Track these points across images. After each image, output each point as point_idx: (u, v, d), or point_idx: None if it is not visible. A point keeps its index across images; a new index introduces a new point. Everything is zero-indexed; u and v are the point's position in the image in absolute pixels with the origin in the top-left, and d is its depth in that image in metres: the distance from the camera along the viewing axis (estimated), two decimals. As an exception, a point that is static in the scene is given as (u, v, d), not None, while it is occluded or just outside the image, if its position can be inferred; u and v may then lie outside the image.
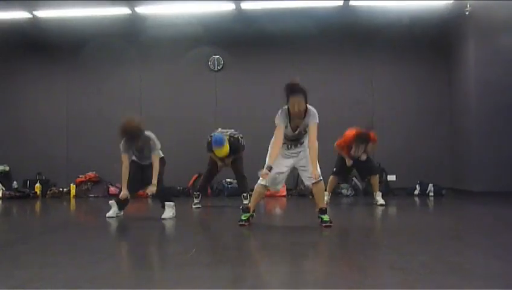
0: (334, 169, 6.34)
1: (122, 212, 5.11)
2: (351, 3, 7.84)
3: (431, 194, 7.90)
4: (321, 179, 4.28)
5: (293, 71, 8.61)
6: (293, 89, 4.06)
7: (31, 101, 9.27)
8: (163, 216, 4.87)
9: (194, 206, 6.14)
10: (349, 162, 6.18)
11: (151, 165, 4.92)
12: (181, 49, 8.80)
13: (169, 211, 4.96)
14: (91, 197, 8.53)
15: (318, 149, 4.21)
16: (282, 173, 4.31)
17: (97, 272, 2.62)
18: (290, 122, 4.18)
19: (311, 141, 4.18)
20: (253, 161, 6.03)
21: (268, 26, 8.39)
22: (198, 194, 6.27)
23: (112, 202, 5.07)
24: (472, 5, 7.43)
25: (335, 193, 8.35)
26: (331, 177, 6.32)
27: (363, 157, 6.18)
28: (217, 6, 8.08)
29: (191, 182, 8.46)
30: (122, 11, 8.20)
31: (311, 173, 4.16)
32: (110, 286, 2.33)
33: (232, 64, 8.92)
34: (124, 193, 4.87)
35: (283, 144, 4.26)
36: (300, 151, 4.32)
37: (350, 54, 8.72)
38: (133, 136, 4.76)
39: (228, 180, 8.24)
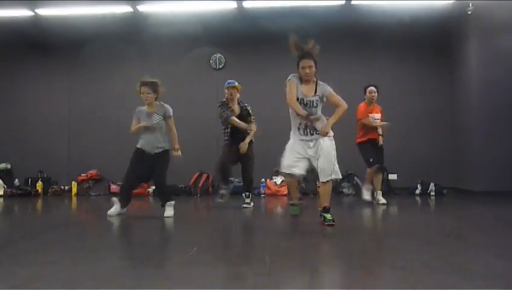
0: (370, 160, 6.16)
1: (125, 210, 5.09)
2: (353, 2, 7.84)
3: (432, 193, 7.90)
4: (331, 179, 4.21)
5: (295, 70, 8.63)
6: (305, 53, 4.15)
7: (33, 100, 9.28)
8: (165, 215, 4.90)
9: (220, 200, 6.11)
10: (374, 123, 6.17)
11: (155, 158, 4.90)
12: (182, 47, 8.81)
13: (169, 209, 4.98)
14: (92, 195, 8.54)
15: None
16: (299, 157, 4.21)
17: (98, 270, 2.62)
18: (302, 91, 4.17)
19: (339, 103, 4.24)
20: (256, 158, 6.03)
21: (270, 25, 8.38)
22: (226, 187, 6.15)
23: (115, 199, 5.06)
24: (474, 5, 7.42)
25: (336, 192, 8.37)
26: (369, 170, 6.20)
27: (381, 141, 6.20)
28: (218, 5, 8.09)
29: (192, 180, 8.47)
30: (124, 9, 8.21)
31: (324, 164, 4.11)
32: (111, 284, 2.34)
33: (234, 62, 8.92)
34: (145, 124, 4.89)
35: (299, 124, 4.19)
36: (316, 140, 4.21)
37: (351, 53, 8.71)
38: (152, 88, 4.84)
39: (230, 179, 8.24)
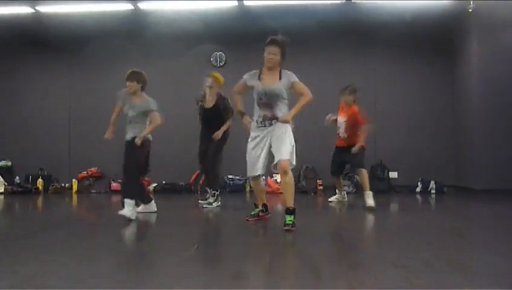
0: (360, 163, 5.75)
1: (152, 205, 5.02)
2: (354, 0, 7.82)
3: (433, 191, 7.89)
4: (286, 166, 3.95)
5: (295, 68, 8.61)
6: (271, 40, 4.10)
7: (34, 97, 9.28)
8: (120, 211, 4.51)
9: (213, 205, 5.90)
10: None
11: (128, 145, 4.72)
12: (183, 45, 8.79)
13: (127, 207, 4.53)
14: (93, 193, 8.54)
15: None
16: (258, 155, 4.06)
17: (99, 268, 2.62)
18: (260, 80, 4.10)
19: (304, 93, 4.07)
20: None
21: (271, 23, 8.33)
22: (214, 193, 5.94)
23: (130, 202, 4.59)
24: (475, 3, 7.40)
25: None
26: (363, 171, 5.72)
27: (355, 148, 5.58)
28: (219, 3, 8.07)
29: (193, 178, 8.46)
30: (125, 6, 8.19)
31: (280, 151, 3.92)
32: (112, 282, 2.34)
33: (235, 60, 8.89)
34: (108, 134, 4.89)
35: (258, 117, 4.09)
36: (274, 130, 4.04)
37: (352, 52, 8.69)
38: (132, 80, 4.83)
39: (230, 176, 8.25)
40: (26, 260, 2.80)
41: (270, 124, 4.06)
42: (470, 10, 7.43)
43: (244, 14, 8.36)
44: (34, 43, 9.06)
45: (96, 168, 8.80)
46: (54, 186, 8.67)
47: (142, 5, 8.14)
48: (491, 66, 7.37)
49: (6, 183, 8.61)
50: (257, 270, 2.53)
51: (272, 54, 4.05)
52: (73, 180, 8.67)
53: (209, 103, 5.85)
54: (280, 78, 4.07)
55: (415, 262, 2.65)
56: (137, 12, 8.36)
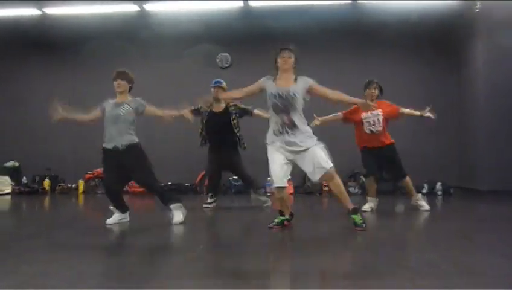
0: (366, 170, 5.54)
1: (127, 216, 4.57)
2: (360, 1, 7.82)
3: (439, 193, 7.86)
4: (332, 172, 3.83)
5: (301, 69, 8.61)
6: (283, 48, 4.12)
7: (40, 98, 9.32)
8: (174, 221, 4.37)
9: (204, 206, 5.99)
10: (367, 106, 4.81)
11: (123, 154, 4.34)
12: (188, 46, 8.81)
13: (178, 213, 4.42)
14: (99, 193, 8.58)
15: (326, 148, 4.02)
16: (283, 165, 3.94)
17: (104, 268, 2.64)
18: (275, 82, 4.04)
19: (328, 93, 4.14)
20: (261, 157, 5.99)
21: (276, 24, 8.38)
22: (212, 195, 6.02)
23: (113, 208, 4.53)
24: (481, 4, 7.37)
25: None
26: (366, 180, 5.60)
27: (425, 112, 5.30)
28: (224, 4, 8.10)
29: (198, 179, 8.48)
30: (131, 8, 8.24)
31: (320, 160, 3.79)
32: (117, 281, 2.35)
33: (240, 61, 8.87)
34: (57, 114, 4.58)
35: (275, 124, 3.95)
36: (297, 143, 3.89)
37: (356, 52, 8.68)
38: (122, 78, 4.49)
39: (235, 177, 8.25)
40: (30, 260, 2.82)
41: (292, 132, 3.91)
42: (477, 10, 7.39)
43: (249, 15, 8.38)
44: (39, 44, 9.13)
45: (102, 169, 8.84)
46: (60, 187, 8.73)
47: (147, 7, 8.18)
48: (496, 68, 7.33)
49: (13, 184, 8.68)
50: (262, 270, 2.54)
51: (286, 57, 4.08)
52: (80, 180, 8.72)
53: (219, 107, 5.72)
54: (295, 81, 4.03)
55: (420, 263, 2.65)
56: (142, 14, 8.40)
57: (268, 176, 4.12)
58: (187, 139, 8.55)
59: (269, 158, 4.01)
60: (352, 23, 8.42)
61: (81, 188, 8.65)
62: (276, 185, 3.94)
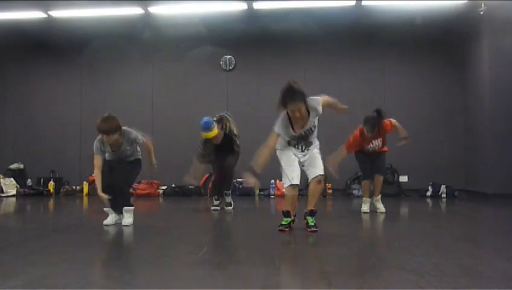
0: (363, 175, 5.81)
1: (121, 217, 4.55)
2: (364, 3, 7.81)
3: (443, 195, 7.83)
4: (322, 179, 4.05)
5: (305, 71, 8.63)
6: (292, 96, 3.75)
7: (45, 100, 9.39)
8: (123, 223, 4.43)
9: (212, 208, 5.97)
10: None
11: (123, 164, 4.51)
12: (193, 48, 8.84)
13: (128, 216, 4.47)
14: (103, 195, 8.59)
15: (329, 151, 4.13)
16: (297, 165, 4.07)
17: (109, 270, 2.65)
18: (292, 128, 3.97)
19: (336, 104, 4.20)
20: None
21: (280, 26, 8.39)
22: (217, 198, 6.04)
23: (108, 209, 4.55)
24: (486, 5, 7.35)
25: (346, 194, 8.34)
26: (363, 182, 5.77)
27: (402, 142, 5.53)
28: (228, 6, 8.11)
29: (202, 181, 8.49)
30: (136, 10, 8.27)
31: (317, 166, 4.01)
32: (121, 283, 2.36)
33: (244, 64, 8.94)
34: (102, 195, 4.38)
35: (289, 145, 4.07)
36: (307, 153, 4.11)
37: (362, 54, 8.67)
38: (112, 133, 4.36)
39: (239, 179, 8.25)
40: (37, 261, 2.83)
41: (307, 149, 4.10)
42: (482, 13, 7.37)
43: (253, 18, 8.39)
44: (46, 47, 9.18)
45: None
46: (65, 189, 8.76)
47: (152, 9, 8.21)
48: (502, 69, 7.30)
49: (18, 186, 8.72)
50: (266, 273, 2.53)
51: (297, 110, 3.81)
52: (84, 182, 8.74)
53: (218, 140, 5.84)
54: (309, 115, 3.95)
55: (424, 266, 2.64)
56: (147, 17, 8.43)
57: (271, 178, 4.16)
58: (191, 143, 8.57)
59: (282, 158, 4.09)
60: (356, 24, 8.42)
61: (85, 190, 8.67)
62: (293, 182, 4.01)
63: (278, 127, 3.95)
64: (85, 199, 8.05)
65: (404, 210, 6.07)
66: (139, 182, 8.30)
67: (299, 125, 3.96)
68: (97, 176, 4.48)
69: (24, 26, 8.71)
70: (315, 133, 4.12)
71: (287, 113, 3.88)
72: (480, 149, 7.72)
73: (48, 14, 8.37)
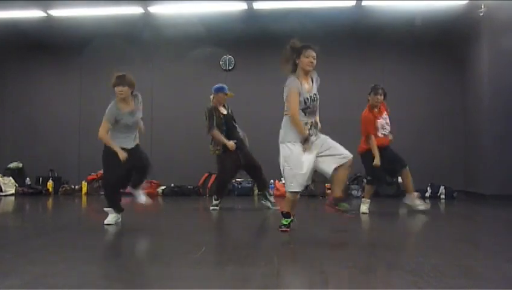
0: (368, 177, 5.69)
1: (120, 217, 4.50)
2: (364, 3, 7.81)
3: (442, 196, 7.83)
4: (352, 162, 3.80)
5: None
6: (307, 45, 3.92)
7: (44, 100, 9.38)
8: (141, 201, 4.50)
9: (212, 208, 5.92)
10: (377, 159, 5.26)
11: (132, 151, 4.43)
12: (193, 48, 8.83)
13: (112, 216, 4.40)
14: (102, 194, 8.59)
15: None
16: (310, 169, 3.80)
17: (108, 269, 2.65)
18: (305, 89, 3.85)
19: None
20: (265, 159, 5.99)
21: (280, 26, 8.37)
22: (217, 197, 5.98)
23: (108, 209, 4.48)
24: (486, 6, 7.35)
25: (345, 194, 8.33)
26: (369, 186, 5.68)
27: (390, 136, 5.52)
28: (228, 6, 8.11)
29: (201, 181, 8.49)
30: (136, 10, 8.26)
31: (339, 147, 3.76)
32: (120, 283, 2.36)
33: (244, 64, 8.93)
34: (123, 153, 4.34)
35: (305, 124, 3.83)
36: (317, 139, 3.86)
37: (361, 55, 8.67)
38: (125, 84, 4.42)
39: (238, 180, 8.25)
40: (36, 260, 2.83)
41: (316, 132, 3.91)
42: (481, 14, 7.38)
43: (253, 18, 8.39)
44: (45, 46, 9.17)
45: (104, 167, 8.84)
46: (63, 188, 8.75)
47: (151, 9, 8.21)
48: (501, 70, 7.30)
49: (17, 185, 8.72)
50: (266, 273, 2.53)
51: (312, 57, 3.91)
52: (83, 182, 8.74)
53: (224, 110, 5.98)
54: (312, 83, 3.96)
55: (423, 267, 2.64)
56: (147, 16, 8.43)
57: (271, 178, 4.08)
58: (190, 142, 8.58)
59: (291, 159, 3.78)
60: (356, 25, 8.42)
61: (84, 189, 8.67)
62: (296, 190, 3.80)
63: (292, 84, 3.85)
64: (84, 199, 8.04)
65: (403, 211, 6.06)
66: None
67: (306, 85, 3.89)
68: (107, 139, 4.49)
69: (23, 26, 8.70)
70: (318, 109, 3.96)
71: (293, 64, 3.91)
72: (479, 150, 7.72)
73: (48, 13, 8.36)
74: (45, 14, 8.38)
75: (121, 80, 4.42)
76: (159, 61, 9.12)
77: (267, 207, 5.87)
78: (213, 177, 8.48)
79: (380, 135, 5.44)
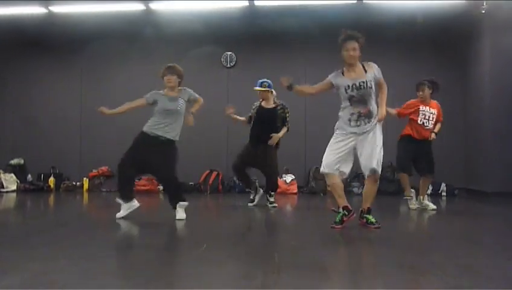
0: (398, 166, 5.90)
1: (135, 203, 4.59)
2: (365, 1, 7.79)
3: (443, 194, 7.83)
4: (377, 178, 4.00)
5: (306, 68, 8.62)
6: (347, 36, 4.06)
7: (46, 96, 9.38)
8: (178, 217, 4.52)
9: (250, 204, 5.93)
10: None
11: (162, 144, 4.53)
12: (193, 45, 8.82)
13: (182, 211, 4.56)
14: (104, 191, 8.62)
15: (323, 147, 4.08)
16: (343, 152, 3.92)
17: (109, 266, 2.65)
18: (345, 76, 4.00)
19: (383, 86, 4.16)
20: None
21: (281, 23, 8.37)
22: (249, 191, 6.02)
23: (120, 201, 4.60)
24: (488, 4, 7.33)
25: (345, 191, 8.32)
26: (400, 175, 5.86)
27: (433, 136, 5.69)
28: (230, 3, 8.10)
29: (202, 178, 8.49)
30: (137, 7, 8.25)
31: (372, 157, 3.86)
32: (121, 280, 2.37)
33: (245, 61, 8.92)
34: (102, 109, 4.64)
35: (351, 115, 3.91)
36: (367, 132, 3.92)
37: (363, 52, 8.63)
38: (174, 74, 4.68)
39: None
40: (37, 257, 2.84)
41: (369, 122, 3.93)
42: (483, 12, 7.35)
43: (254, 15, 8.38)
44: (46, 43, 9.16)
45: (106, 167, 8.86)
46: (65, 185, 8.77)
47: (153, 5, 8.20)
48: (503, 68, 7.29)
49: (18, 181, 8.73)
50: (266, 270, 2.54)
51: (351, 49, 4.01)
52: (84, 178, 8.75)
53: (269, 105, 5.88)
54: (366, 72, 4.02)
55: (423, 265, 2.64)
56: (148, 13, 8.42)
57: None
58: (192, 139, 8.57)
59: (329, 143, 4.01)
60: (356, 22, 8.33)
61: (85, 186, 8.69)
62: (323, 170, 3.97)
63: (330, 75, 4.08)
64: (85, 195, 8.06)
65: (403, 208, 6.07)
66: (140, 179, 8.30)
67: (352, 73, 4.01)
68: (123, 107, 4.68)
69: (24, 22, 8.69)
70: (373, 96, 3.99)
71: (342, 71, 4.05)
72: (480, 147, 7.71)
73: (49, 10, 8.35)
74: (46, 10, 8.38)
75: (170, 70, 4.70)
76: (159, 58, 9.03)
77: (265, 204, 5.89)
78: (214, 174, 8.49)
79: (419, 121, 5.62)
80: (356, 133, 3.93)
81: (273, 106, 5.84)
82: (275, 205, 5.84)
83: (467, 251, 3.16)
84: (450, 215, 5.93)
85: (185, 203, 4.57)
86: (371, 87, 3.95)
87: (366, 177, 4.00)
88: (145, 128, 4.59)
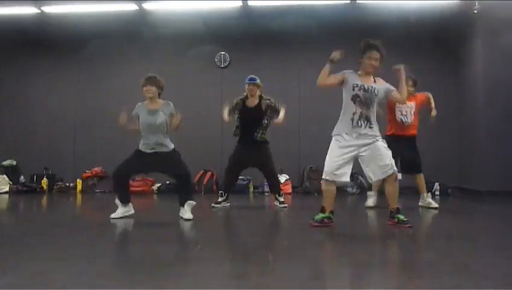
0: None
1: (130, 209, 4.73)
2: (358, 1, 7.82)
3: (437, 193, 7.86)
4: (397, 175, 4.00)
5: (300, 69, 8.64)
6: (373, 45, 4.15)
7: (39, 97, 9.32)
8: (185, 217, 4.57)
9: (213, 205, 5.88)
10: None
11: (160, 156, 4.58)
12: (187, 45, 8.81)
13: (189, 211, 4.63)
14: (97, 192, 8.57)
15: (324, 149, 4.09)
16: (346, 159, 3.95)
17: (103, 267, 2.63)
18: (360, 79, 4.05)
19: (399, 98, 4.30)
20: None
21: (275, 24, 8.37)
22: (221, 193, 5.96)
23: (118, 202, 4.71)
24: (480, 4, 7.38)
25: (339, 191, 8.35)
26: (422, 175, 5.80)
27: (433, 113, 5.77)
28: (224, 3, 8.09)
29: (197, 178, 8.47)
30: (129, 7, 8.22)
31: (385, 159, 3.87)
32: (115, 281, 2.35)
33: (239, 61, 8.91)
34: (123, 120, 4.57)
35: (353, 114, 3.93)
36: (369, 143, 3.94)
37: (356, 53, 8.64)
38: (153, 84, 4.57)
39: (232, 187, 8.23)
40: (31, 258, 2.81)
41: (370, 127, 3.97)
42: (475, 12, 7.40)
43: (248, 15, 8.38)
44: (40, 43, 9.10)
45: (100, 168, 8.82)
46: (58, 186, 8.71)
47: (146, 6, 8.17)
48: (496, 67, 7.34)
49: (11, 183, 8.66)
50: (260, 270, 2.53)
51: (374, 59, 4.10)
52: (78, 179, 8.71)
53: (252, 103, 5.80)
54: (375, 81, 4.13)
55: (418, 264, 2.65)
56: (141, 13, 8.39)
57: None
58: (186, 139, 8.54)
59: (331, 147, 4.03)
60: (351, 22, 8.41)
61: (79, 187, 8.64)
62: (325, 177, 3.98)
63: (347, 71, 4.12)
64: (78, 196, 8.01)
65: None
66: (134, 179, 8.26)
67: (364, 78, 4.09)
68: (127, 127, 4.66)
69: (17, 22, 8.63)
70: (375, 107, 4.05)
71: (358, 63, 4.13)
72: (474, 147, 7.76)
73: (41, 10, 8.30)
74: (38, 11, 8.32)
75: (149, 80, 4.61)
76: (152, 59, 9.07)
77: (276, 205, 5.87)
78: (208, 174, 8.48)
79: (397, 119, 5.68)
80: (357, 145, 3.96)
81: (257, 101, 5.77)
82: (285, 205, 5.78)
83: (464, 250, 3.17)
84: (444, 214, 5.95)
85: (193, 202, 4.69)
86: (376, 95, 4.04)
87: (385, 180, 4.02)
88: (140, 147, 4.67)
